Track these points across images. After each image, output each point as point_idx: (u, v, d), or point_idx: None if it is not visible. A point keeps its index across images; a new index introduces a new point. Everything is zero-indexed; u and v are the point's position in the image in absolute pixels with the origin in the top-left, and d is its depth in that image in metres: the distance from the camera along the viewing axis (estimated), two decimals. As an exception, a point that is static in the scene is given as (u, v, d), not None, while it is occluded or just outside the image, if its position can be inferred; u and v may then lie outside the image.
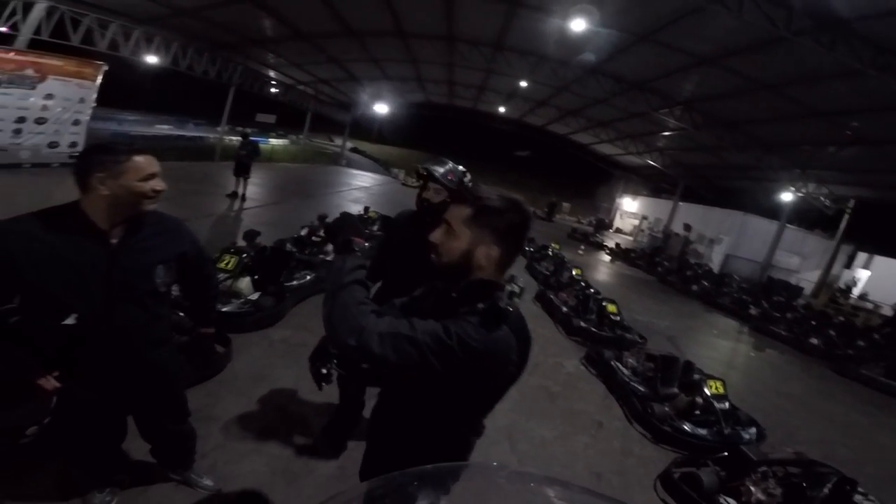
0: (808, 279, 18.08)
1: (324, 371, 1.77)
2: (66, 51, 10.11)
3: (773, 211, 18.02)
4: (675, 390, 4.35)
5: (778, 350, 8.53)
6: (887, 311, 14.40)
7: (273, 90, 20.97)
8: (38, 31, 9.73)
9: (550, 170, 47.40)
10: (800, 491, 2.90)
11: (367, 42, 14.73)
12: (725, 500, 2.92)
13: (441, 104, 26.79)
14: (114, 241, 1.50)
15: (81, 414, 1.67)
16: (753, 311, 10.71)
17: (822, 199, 16.54)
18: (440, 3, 11.13)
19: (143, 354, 1.70)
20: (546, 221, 26.06)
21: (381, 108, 26.22)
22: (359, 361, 1.05)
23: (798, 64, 8.75)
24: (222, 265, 4.41)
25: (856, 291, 18.09)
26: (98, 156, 1.43)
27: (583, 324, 6.20)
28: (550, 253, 11.29)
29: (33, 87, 8.99)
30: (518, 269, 9.33)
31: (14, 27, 9.36)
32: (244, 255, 4.64)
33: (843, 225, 17.43)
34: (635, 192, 30.32)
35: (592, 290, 7.32)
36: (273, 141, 28.65)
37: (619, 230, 30.21)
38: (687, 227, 21.16)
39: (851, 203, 16.98)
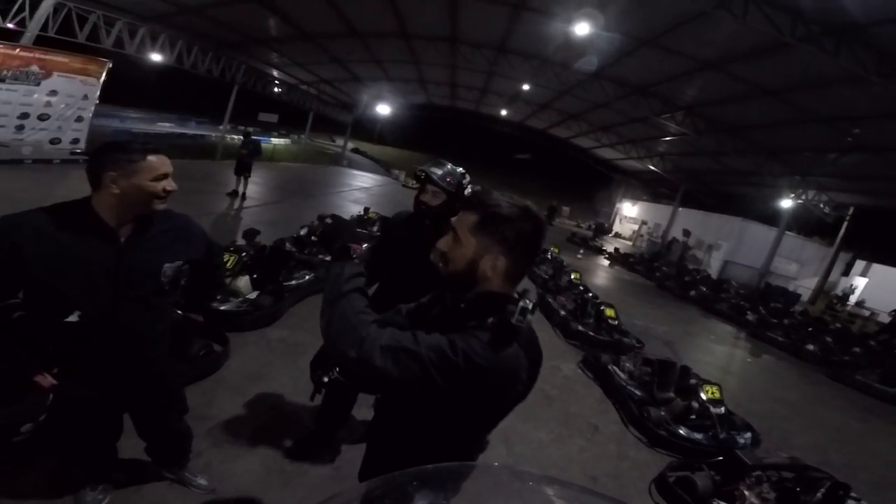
0: (805, 286, 18.11)
1: (325, 379, 1.76)
2: (72, 47, 10.15)
3: (772, 217, 18.05)
4: (672, 395, 4.36)
5: (774, 356, 8.55)
6: (884, 319, 14.41)
7: (276, 90, 21.01)
8: (44, 27, 9.75)
9: (551, 173, 47.47)
10: (793, 495, 2.91)
11: (371, 43, 14.78)
12: (719, 505, 2.93)
13: (443, 106, 26.84)
14: (122, 239, 1.50)
15: (78, 411, 1.67)
16: (751, 317, 10.73)
17: (821, 205, 16.57)
18: (445, 5, 11.17)
19: (146, 352, 1.70)
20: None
21: (383, 109, 26.28)
22: (359, 374, 1.00)
23: (801, 70, 8.79)
24: (221, 263, 4.42)
25: (853, 299, 18.13)
26: (112, 154, 1.42)
27: (581, 327, 6.21)
28: (549, 256, 11.30)
29: (38, 84, 9.03)
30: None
31: (21, 23, 9.38)
32: (243, 253, 4.65)
33: (841, 232, 17.47)
34: (635, 197, 30.35)
35: (591, 295, 7.34)
36: (275, 140, 28.69)
37: (618, 235, 30.22)
38: (686, 233, 21.19)
39: (850, 210, 17.01)
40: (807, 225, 19.01)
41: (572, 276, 8.43)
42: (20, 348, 1.49)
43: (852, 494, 3.04)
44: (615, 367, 4.83)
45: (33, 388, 1.51)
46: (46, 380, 1.51)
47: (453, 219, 1.15)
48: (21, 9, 9.30)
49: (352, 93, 24.93)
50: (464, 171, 2.29)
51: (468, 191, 2.24)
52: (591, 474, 3.32)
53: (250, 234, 5.48)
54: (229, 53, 15.93)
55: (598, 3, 8.87)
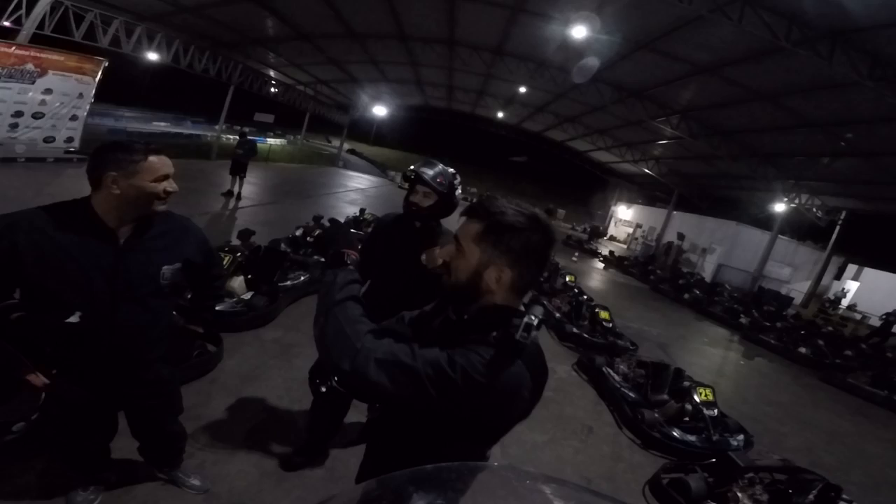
0: (798, 289, 18.26)
1: (322, 389, 1.74)
2: (69, 46, 10.10)
3: (765, 221, 18.20)
4: (666, 397, 4.38)
5: (767, 359, 8.60)
6: (875, 322, 14.54)
7: (272, 90, 20.98)
8: (41, 25, 9.71)
9: (547, 176, 47.72)
10: (786, 497, 2.93)
11: (369, 44, 14.81)
12: (712, 507, 2.95)
13: (439, 108, 26.92)
14: (121, 240, 1.49)
15: (71, 410, 1.65)
16: (744, 320, 10.80)
17: (814, 210, 16.72)
18: (442, 8, 11.20)
19: (143, 354, 1.69)
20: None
21: (380, 111, 26.29)
22: (353, 386, 0.97)
23: (795, 74, 8.89)
24: (216, 263, 4.40)
25: (844, 302, 18.29)
26: (113, 154, 1.41)
27: (575, 330, 6.22)
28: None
29: (33, 82, 8.99)
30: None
31: (17, 21, 9.33)
32: (238, 254, 4.63)
33: (834, 236, 17.62)
34: (630, 201, 30.51)
35: (585, 297, 7.36)
36: (270, 140, 28.63)
37: (613, 238, 30.35)
38: (680, 237, 21.31)
39: (843, 215, 17.18)
40: (800, 229, 19.19)
41: (567, 279, 8.46)
42: (11, 347, 1.48)
43: (844, 496, 3.06)
44: (609, 370, 4.84)
45: (25, 386, 1.50)
46: (39, 378, 1.49)
47: (457, 228, 1.09)
48: (18, 7, 9.26)
49: (348, 94, 24.95)
50: (455, 171, 2.22)
51: (459, 191, 2.21)
52: (585, 476, 3.33)
53: (245, 234, 5.46)
54: (226, 53, 15.91)
55: (595, 7, 8.93)
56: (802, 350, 8.80)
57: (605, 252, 19.24)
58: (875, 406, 6.96)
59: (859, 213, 17.07)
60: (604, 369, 4.86)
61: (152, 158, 1.45)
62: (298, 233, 6.64)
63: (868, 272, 19.32)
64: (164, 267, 1.60)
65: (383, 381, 0.91)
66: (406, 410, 1.04)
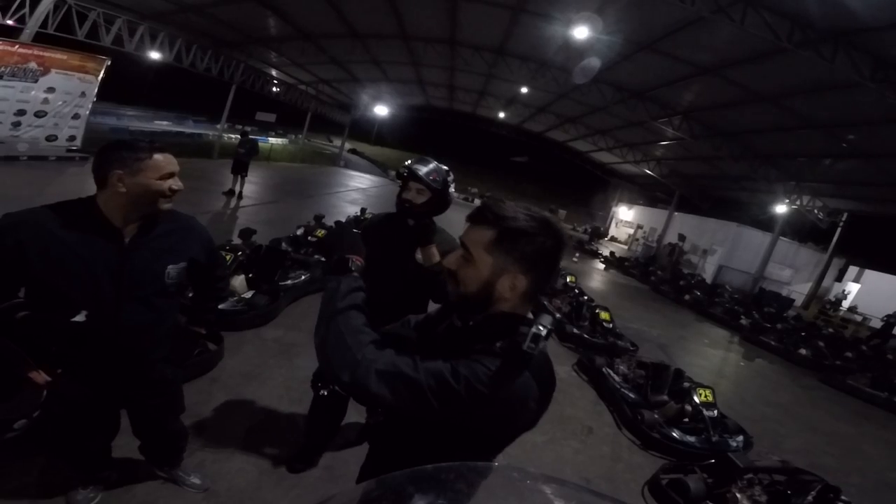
0: (799, 291, 18.24)
1: (323, 392, 1.73)
2: (72, 45, 10.13)
3: (766, 223, 18.18)
4: (665, 398, 4.38)
5: (767, 360, 8.60)
6: (876, 324, 14.53)
7: (274, 89, 21.00)
8: (44, 24, 9.73)
9: (548, 176, 47.69)
10: (785, 498, 2.93)
11: (371, 44, 14.81)
12: (711, 508, 2.95)
13: (441, 108, 26.91)
14: (127, 239, 1.49)
15: (74, 409, 1.65)
16: (744, 321, 10.79)
17: (815, 211, 16.68)
18: (444, 8, 11.21)
19: (147, 353, 1.69)
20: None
21: (381, 110, 26.30)
22: (354, 396, 0.95)
23: (797, 75, 8.87)
24: (217, 262, 4.42)
25: (845, 304, 18.27)
26: (119, 152, 1.41)
27: (575, 330, 6.23)
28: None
29: (35, 81, 9.02)
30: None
31: (21, 20, 9.36)
32: (239, 252, 4.65)
33: (835, 238, 17.59)
34: (631, 201, 30.49)
35: (586, 298, 7.38)
36: (272, 140, 28.66)
37: (614, 239, 30.34)
38: (681, 238, 21.30)
39: (844, 216, 17.14)
40: (801, 230, 19.16)
41: (568, 279, 8.46)
42: (13, 343, 1.48)
43: (843, 497, 3.06)
44: (609, 370, 4.85)
45: (28, 384, 1.50)
46: (41, 376, 1.49)
47: (462, 235, 1.05)
48: (21, 5, 9.29)
49: (350, 93, 24.96)
50: (448, 169, 2.18)
51: (452, 189, 2.18)
52: (585, 476, 3.33)
53: (246, 233, 5.48)
54: (228, 52, 15.94)
55: (597, 7, 8.93)
56: (803, 351, 8.80)
57: (605, 253, 19.23)
58: (875, 408, 6.96)
59: (861, 215, 17.04)
60: (604, 370, 4.86)
61: (157, 156, 1.45)
62: (299, 232, 6.66)
63: (869, 274, 19.31)
64: (170, 266, 1.60)
65: (384, 393, 0.90)
66: (409, 419, 1.01)
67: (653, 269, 16.23)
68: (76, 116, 10.05)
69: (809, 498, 2.93)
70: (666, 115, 14.17)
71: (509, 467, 0.85)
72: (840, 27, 7.16)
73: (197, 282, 1.90)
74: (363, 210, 10.64)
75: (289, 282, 5.11)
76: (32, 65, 8.86)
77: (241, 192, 10.54)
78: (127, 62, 12.90)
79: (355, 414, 2.78)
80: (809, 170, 14.39)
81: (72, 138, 10.05)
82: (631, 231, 28.98)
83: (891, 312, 13.13)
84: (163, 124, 27.01)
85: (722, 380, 6.66)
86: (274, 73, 20.59)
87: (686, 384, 4.45)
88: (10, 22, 9.22)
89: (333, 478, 2.56)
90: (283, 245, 5.82)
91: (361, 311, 1.02)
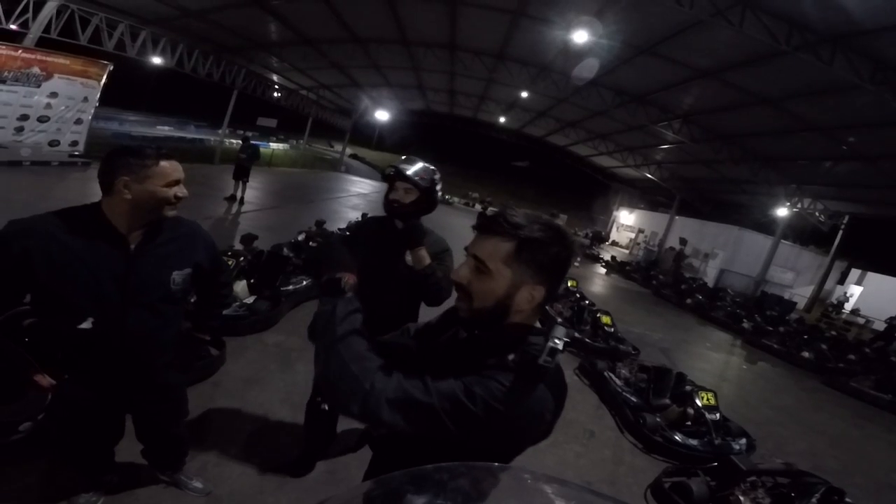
0: (801, 294, 18.20)
1: (324, 407, 1.71)
2: (74, 50, 10.20)
3: (768, 226, 18.16)
4: (667, 401, 4.37)
5: (770, 363, 8.57)
6: (879, 327, 14.49)
7: (275, 94, 21.09)
8: (47, 29, 9.81)
9: (548, 181, 47.74)
10: (788, 501, 2.92)
11: (371, 49, 14.88)
12: (714, 511, 2.94)
13: (441, 112, 27.00)
14: (132, 245, 1.49)
15: (78, 412, 1.66)
16: (746, 324, 10.75)
17: (816, 214, 16.67)
18: (444, 13, 11.27)
19: (153, 359, 1.69)
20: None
21: (382, 115, 26.37)
22: (365, 424, 0.91)
23: (796, 78, 8.89)
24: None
25: (848, 307, 18.22)
26: (125, 158, 1.41)
27: (577, 334, 6.21)
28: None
29: (38, 86, 9.08)
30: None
31: (24, 25, 9.43)
32: (241, 258, 4.66)
33: (837, 241, 17.57)
34: (632, 205, 30.49)
35: (587, 302, 7.36)
36: (273, 145, 28.75)
37: (615, 243, 30.32)
38: (682, 241, 21.30)
39: (846, 219, 17.12)
40: (802, 234, 19.14)
41: (569, 284, 8.44)
42: (18, 347, 1.49)
43: (847, 500, 3.05)
44: (611, 374, 4.84)
45: (32, 387, 1.50)
46: (45, 379, 1.50)
47: (472, 247, 1.00)
48: (24, 10, 9.36)
49: (351, 98, 25.04)
50: (434, 168, 2.16)
51: (439, 187, 2.15)
52: (587, 479, 3.32)
53: (248, 238, 5.48)
54: (230, 57, 16.02)
55: (597, 12, 8.98)
56: (805, 354, 8.77)
57: (607, 257, 19.21)
58: (878, 410, 6.93)
59: (862, 218, 17.02)
60: (605, 374, 4.85)
61: (164, 163, 1.46)
62: (301, 237, 6.66)
63: (872, 276, 19.30)
64: (175, 272, 1.61)
65: (398, 421, 0.87)
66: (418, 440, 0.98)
67: (654, 273, 16.21)
68: (79, 121, 10.10)
69: (813, 500, 2.92)
70: (666, 118, 14.19)
71: (510, 467, 0.84)
72: (838, 30, 7.18)
73: (201, 288, 1.90)
74: (364, 215, 10.65)
75: (290, 287, 5.11)
76: (35, 70, 8.93)
77: (242, 198, 10.57)
78: (129, 67, 12.96)
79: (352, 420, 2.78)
80: (810, 172, 14.39)
81: (74, 143, 10.10)
82: (632, 235, 28.95)
83: (894, 315, 13.10)
84: (164, 129, 27.15)
85: (724, 383, 6.64)
86: (275, 78, 20.69)
87: (688, 387, 4.44)
88: (13, 27, 9.29)
89: (335, 481, 2.56)
90: (285, 251, 5.82)
91: (362, 335, 0.97)
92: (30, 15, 9.43)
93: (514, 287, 0.94)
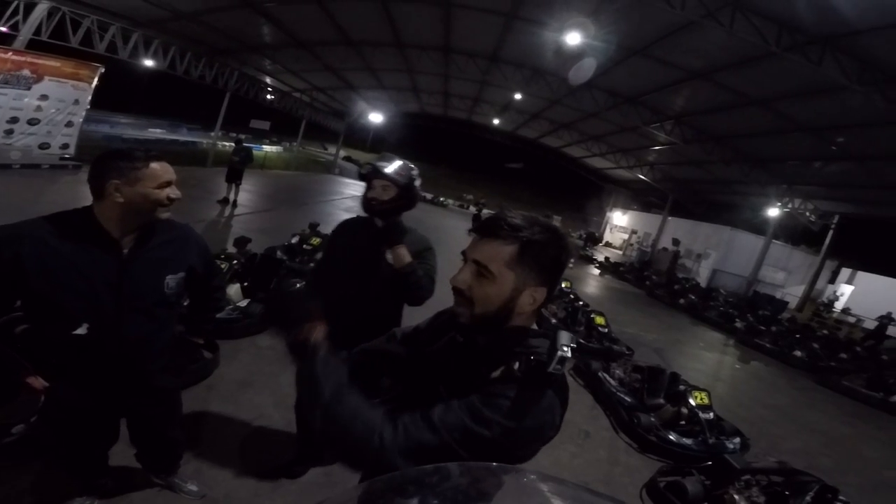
0: (792, 293, 18.38)
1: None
2: (65, 52, 10.10)
3: (759, 226, 18.34)
4: (661, 401, 4.39)
5: (763, 362, 8.64)
6: (870, 325, 14.66)
7: (268, 97, 21.01)
8: (37, 31, 9.72)
9: (542, 182, 47.89)
10: (782, 499, 2.94)
11: (365, 51, 14.89)
12: (709, 510, 2.95)
13: (436, 114, 27.05)
14: (125, 250, 1.48)
15: (72, 415, 1.64)
16: (739, 324, 10.84)
17: (807, 214, 16.86)
18: (438, 15, 11.29)
19: (148, 364, 1.68)
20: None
21: (376, 118, 26.35)
22: None
23: (786, 79, 9.00)
24: (212, 270, 4.40)
25: (839, 306, 18.42)
26: (115, 161, 1.40)
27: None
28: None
29: (28, 88, 8.99)
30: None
31: (14, 27, 9.34)
32: (234, 261, 4.63)
33: (827, 241, 17.76)
34: (625, 207, 30.67)
35: (581, 303, 7.39)
36: (266, 148, 28.61)
37: (608, 244, 30.47)
38: (675, 242, 21.44)
39: (836, 219, 17.32)
40: (793, 233, 19.34)
41: (563, 285, 8.47)
42: (10, 349, 1.47)
43: (841, 498, 3.07)
44: (605, 374, 4.86)
45: (25, 389, 1.49)
46: (38, 381, 1.48)
47: (471, 250, 0.98)
48: (15, 12, 9.27)
49: (344, 101, 25.02)
50: (413, 166, 2.13)
51: (418, 183, 2.12)
52: (582, 480, 3.33)
53: (241, 241, 5.46)
54: (222, 60, 15.95)
55: (589, 14, 9.04)
56: (797, 353, 8.85)
57: (600, 258, 19.30)
58: (870, 408, 7.01)
59: (852, 217, 17.23)
60: (600, 374, 4.87)
61: (154, 165, 1.44)
62: (294, 240, 6.64)
63: (862, 276, 19.53)
64: (168, 276, 1.59)
65: (413, 466, 0.84)
66: None
67: (648, 274, 16.30)
68: (69, 124, 10.00)
69: (807, 498, 2.94)
70: (658, 120, 14.31)
71: (507, 467, 0.84)
72: (827, 31, 7.28)
73: (194, 291, 1.89)
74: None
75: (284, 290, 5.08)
76: (26, 72, 8.84)
77: (235, 201, 10.51)
78: (121, 70, 12.85)
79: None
80: (800, 173, 14.55)
81: (65, 146, 10.00)
82: (625, 236, 29.12)
83: (884, 313, 13.25)
84: (157, 132, 26.91)
85: (718, 382, 6.68)
86: (268, 80, 20.62)
87: (682, 387, 4.45)
88: (3, 29, 9.21)
89: (330, 483, 2.55)
90: (278, 254, 5.80)
91: (351, 387, 0.92)
92: (20, 17, 9.35)
93: (517, 290, 0.94)
